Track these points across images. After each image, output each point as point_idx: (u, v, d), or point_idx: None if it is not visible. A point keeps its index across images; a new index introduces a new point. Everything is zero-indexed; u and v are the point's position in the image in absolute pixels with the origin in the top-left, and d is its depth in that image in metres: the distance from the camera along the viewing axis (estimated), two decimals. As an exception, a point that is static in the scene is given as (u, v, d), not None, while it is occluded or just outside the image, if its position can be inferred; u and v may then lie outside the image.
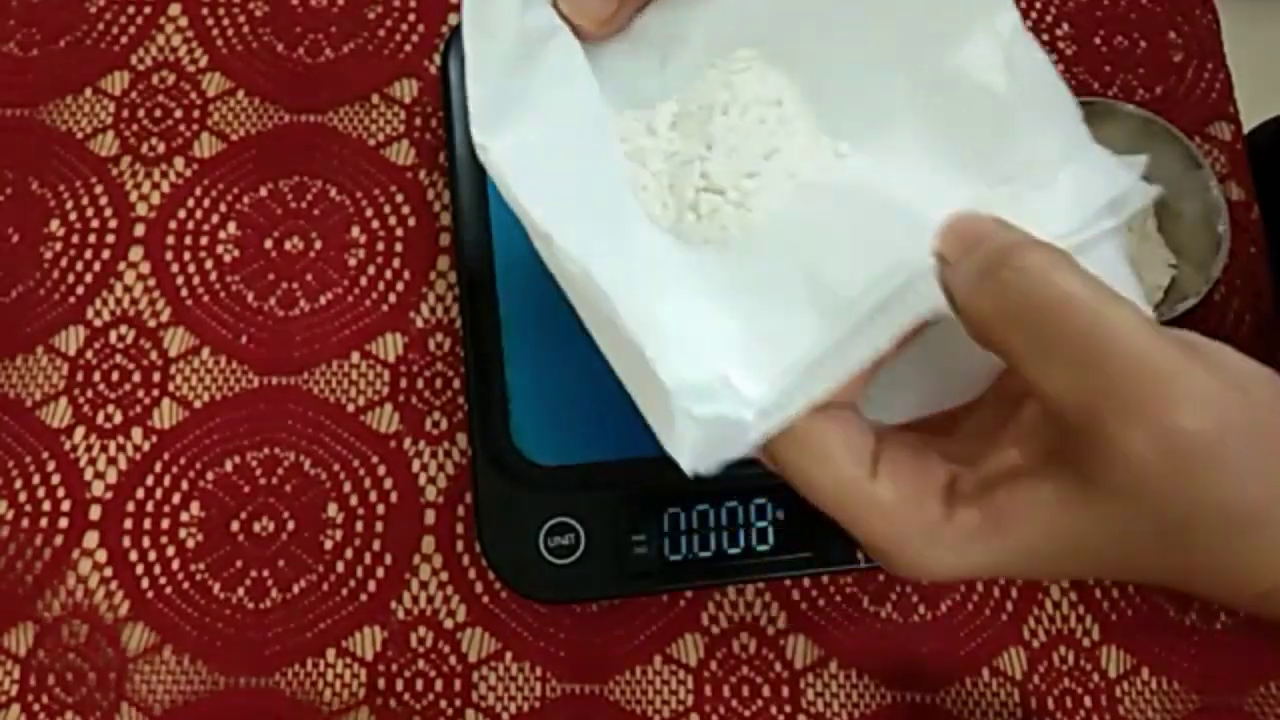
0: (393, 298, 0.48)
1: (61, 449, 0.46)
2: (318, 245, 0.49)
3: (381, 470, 0.46)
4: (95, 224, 0.49)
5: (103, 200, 0.49)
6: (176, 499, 0.45)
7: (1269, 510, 0.21)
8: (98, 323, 0.47)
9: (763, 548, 0.41)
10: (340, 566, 0.45)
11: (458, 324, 0.47)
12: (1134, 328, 0.21)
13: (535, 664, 0.44)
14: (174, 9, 0.52)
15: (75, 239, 0.48)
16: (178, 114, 0.50)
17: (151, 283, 0.48)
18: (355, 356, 0.47)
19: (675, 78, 0.31)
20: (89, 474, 0.46)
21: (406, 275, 0.48)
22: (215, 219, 0.49)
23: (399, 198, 0.49)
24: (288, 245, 0.49)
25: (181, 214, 0.49)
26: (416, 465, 0.46)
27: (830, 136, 0.30)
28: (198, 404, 0.46)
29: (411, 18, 0.52)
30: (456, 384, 0.47)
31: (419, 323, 0.48)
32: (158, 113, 0.50)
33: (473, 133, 0.27)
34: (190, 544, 0.45)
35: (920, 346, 0.26)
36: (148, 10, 0.52)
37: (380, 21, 0.52)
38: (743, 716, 0.44)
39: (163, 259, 0.48)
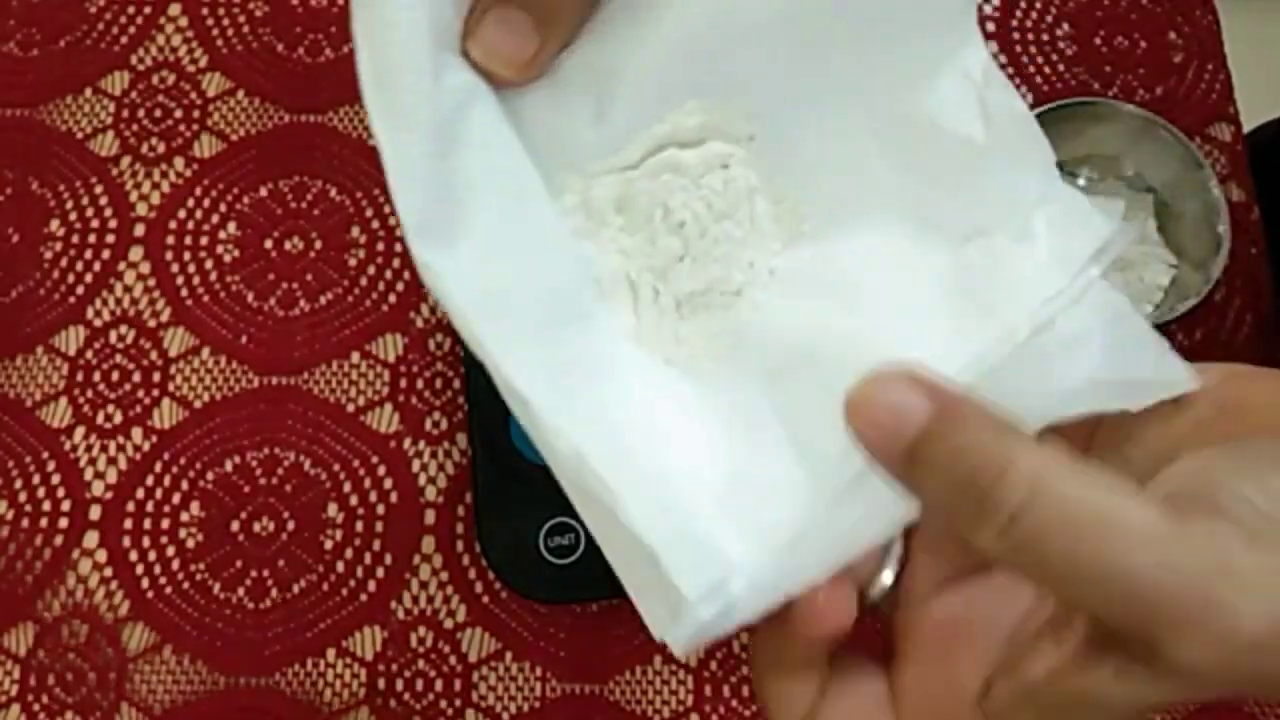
0: (393, 298, 0.48)
1: (61, 449, 0.46)
2: (318, 245, 0.49)
3: (381, 470, 0.46)
4: (95, 224, 0.49)
5: (103, 200, 0.49)
6: (176, 499, 0.45)
7: None
8: (98, 323, 0.47)
9: (763, 548, 0.41)
10: (340, 566, 0.45)
11: (458, 324, 0.47)
12: (1147, 534, 0.19)
13: (535, 664, 0.44)
14: (174, 9, 0.52)
15: (75, 239, 0.48)
16: (178, 114, 0.50)
17: (151, 283, 0.48)
18: (355, 356, 0.47)
19: (612, 137, 0.27)
20: (89, 474, 0.46)
21: (406, 275, 0.48)
22: (215, 219, 0.49)
23: (399, 198, 0.49)
24: (288, 245, 0.49)
25: (181, 214, 0.49)
26: (416, 465, 0.46)
27: (791, 203, 0.28)
28: (198, 404, 0.46)
29: (411, 18, 0.52)
30: (456, 384, 0.47)
31: (419, 323, 0.48)
32: (158, 113, 0.50)
33: (411, 249, 0.23)
34: (190, 544, 0.45)
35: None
36: (148, 10, 0.52)
37: (380, 21, 0.52)
38: (743, 716, 0.44)
39: (163, 259, 0.48)
